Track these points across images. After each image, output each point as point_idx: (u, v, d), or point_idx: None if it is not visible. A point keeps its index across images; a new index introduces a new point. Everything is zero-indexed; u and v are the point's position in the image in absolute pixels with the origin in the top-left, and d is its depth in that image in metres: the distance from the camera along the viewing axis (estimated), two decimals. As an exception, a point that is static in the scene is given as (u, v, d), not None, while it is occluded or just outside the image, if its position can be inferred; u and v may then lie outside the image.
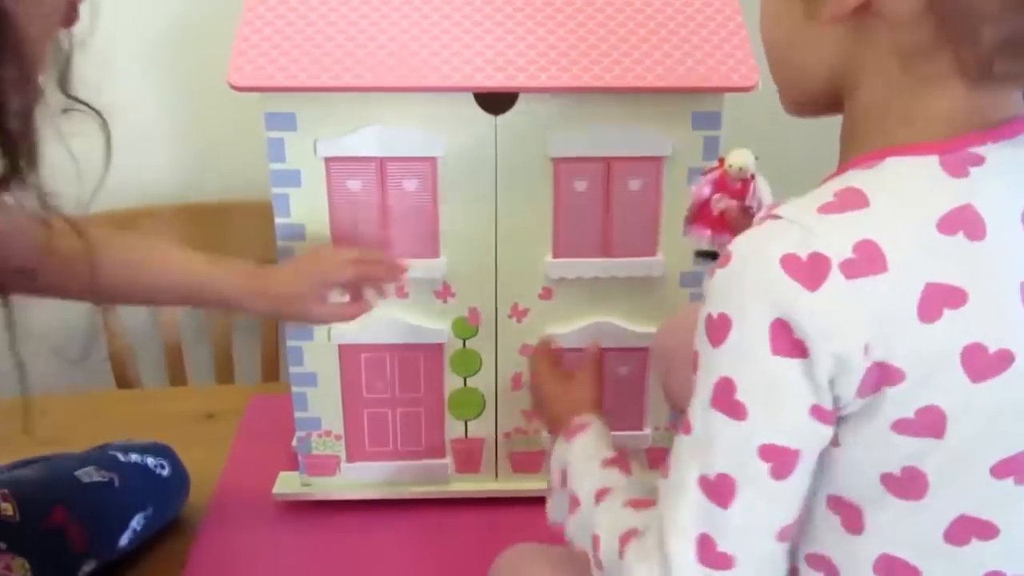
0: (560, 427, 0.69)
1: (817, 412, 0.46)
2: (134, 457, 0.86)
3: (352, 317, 0.80)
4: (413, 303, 0.84)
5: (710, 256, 0.79)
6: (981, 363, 0.44)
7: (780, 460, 0.46)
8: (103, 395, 1.22)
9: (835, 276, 0.43)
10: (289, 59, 0.76)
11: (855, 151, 0.49)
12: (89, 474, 0.82)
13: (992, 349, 0.44)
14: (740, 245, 0.47)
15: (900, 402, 0.44)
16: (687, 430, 0.49)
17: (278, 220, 0.81)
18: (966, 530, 0.47)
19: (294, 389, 0.87)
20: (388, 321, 0.84)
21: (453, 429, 0.89)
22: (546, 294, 0.84)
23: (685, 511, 0.48)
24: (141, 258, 0.79)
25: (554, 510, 0.67)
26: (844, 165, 0.48)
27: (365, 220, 0.81)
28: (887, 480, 0.47)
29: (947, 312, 0.44)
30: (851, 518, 0.48)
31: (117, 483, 0.82)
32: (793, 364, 0.45)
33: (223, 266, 0.79)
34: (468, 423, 0.89)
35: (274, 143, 0.78)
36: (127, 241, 0.83)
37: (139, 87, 1.25)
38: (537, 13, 0.79)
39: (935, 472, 0.46)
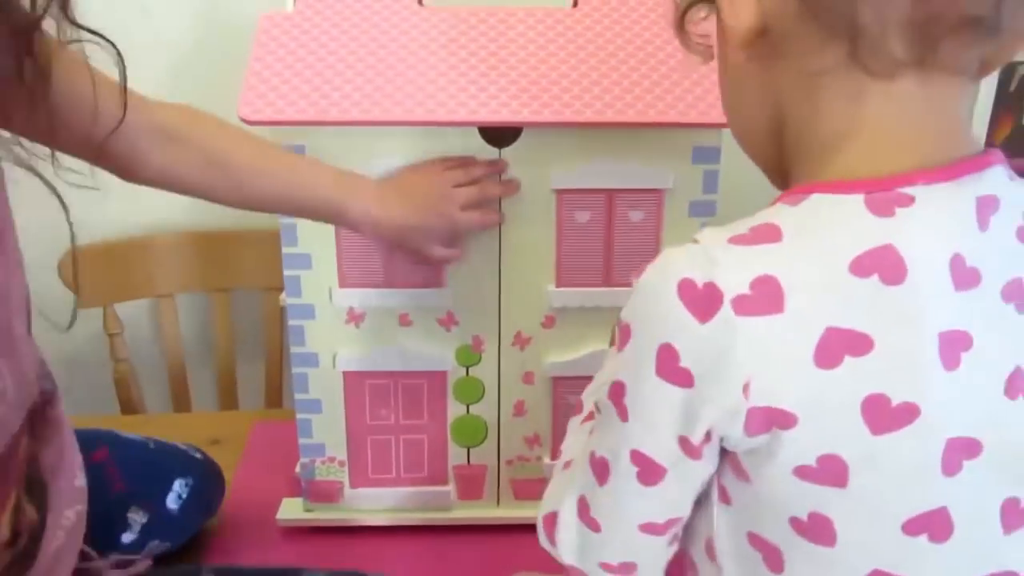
0: None
1: (683, 443, 0.46)
2: (164, 441, 0.90)
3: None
4: (417, 331, 0.85)
5: None
6: (883, 415, 0.42)
7: (647, 469, 0.47)
8: (108, 420, 1.22)
9: (725, 311, 0.42)
10: (298, 94, 0.78)
11: (793, 183, 0.48)
12: (127, 433, 0.86)
13: (895, 402, 0.42)
14: (655, 262, 0.46)
15: (799, 448, 0.43)
16: (602, 406, 0.50)
17: (285, 250, 0.82)
18: None
19: (299, 415, 0.88)
20: (392, 349, 0.85)
21: (456, 456, 0.90)
22: (548, 322, 0.85)
23: (578, 471, 0.52)
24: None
25: None
26: (777, 198, 0.47)
27: (371, 250, 0.82)
28: (796, 524, 0.46)
29: (848, 359, 0.42)
30: (771, 558, 0.48)
31: (153, 445, 0.86)
32: (673, 391, 0.44)
33: (348, 187, 0.77)
34: (470, 450, 0.90)
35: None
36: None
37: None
38: (540, 51, 0.81)
39: (842, 522, 0.45)
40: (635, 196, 0.81)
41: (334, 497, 0.90)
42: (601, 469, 0.50)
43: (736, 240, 0.44)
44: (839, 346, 0.42)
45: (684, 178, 0.81)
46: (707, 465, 0.47)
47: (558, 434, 0.89)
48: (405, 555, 0.88)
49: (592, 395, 0.62)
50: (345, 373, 0.86)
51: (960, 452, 0.43)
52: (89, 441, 0.79)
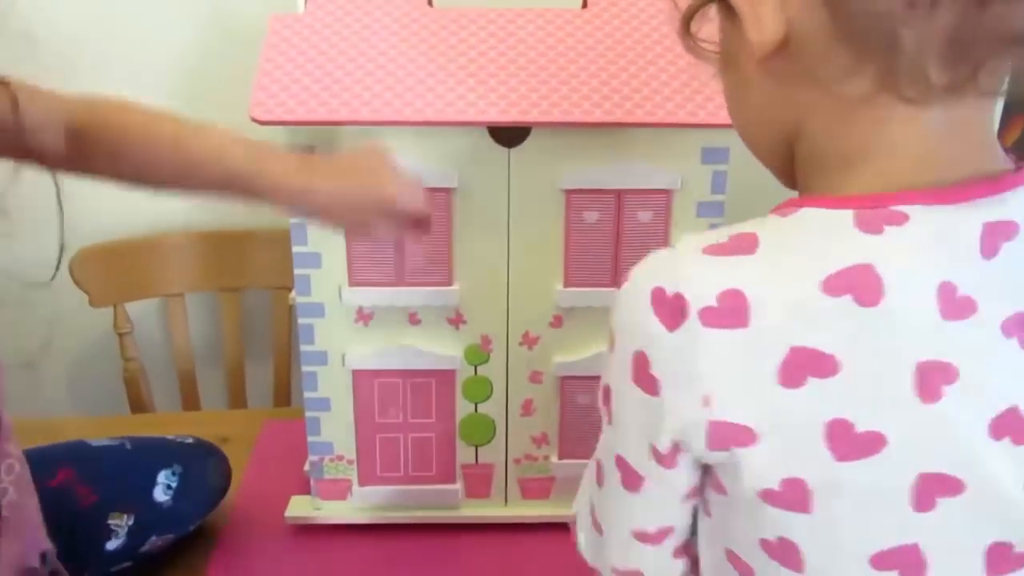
0: None
1: (653, 451, 0.45)
2: (154, 434, 0.90)
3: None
4: (426, 330, 0.85)
5: None
6: (846, 441, 0.40)
7: (628, 474, 0.47)
8: (117, 419, 1.23)
9: (692, 321, 0.41)
10: (309, 94, 0.78)
11: (801, 192, 0.47)
12: (100, 440, 0.85)
13: (859, 429, 0.40)
14: (634, 268, 0.45)
15: (761, 469, 0.42)
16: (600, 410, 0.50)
17: (295, 249, 0.83)
18: None
19: (308, 414, 0.88)
20: (401, 347, 0.86)
21: (464, 455, 0.90)
22: (557, 322, 0.86)
23: (587, 473, 0.54)
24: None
25: None
26: (773, 209, 0.45)
27: (381, 249, 0.83)
28: (766, 546, 0.44)
29: (811, 380, 0.40)
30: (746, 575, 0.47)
31: (129, 446, 0.86)
32: (645, 398, 0.44)
33: (260, 158, 0.72)
34: (478, 449, 0.90)
35: (293, 173, 0.80)
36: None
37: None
38: (550, 51, 0.82)
39: (808, 549, 0.43)
40: (644, 196, 0.82)
41: (342, 495, 0.90)
42: (599, 472, 0.51)
43: (710, 250, 0.43)
44: (803, 365, 0.40)
45: (693, 178, 0.81)
46: (683, 475, 0.46)
47: (566, 434, 0.89)
48: (413, 553, 0.88)
49: None
50: (354, 372, 0.86)
51: (935, 489, 0.41)
52: (48, 465, 0.79)
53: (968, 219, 0.40)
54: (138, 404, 1.30)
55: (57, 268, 0.74)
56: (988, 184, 0.41)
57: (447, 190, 0.81)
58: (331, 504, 0.91)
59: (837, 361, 0.40)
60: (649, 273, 0.44)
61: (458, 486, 0.91)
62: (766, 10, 0.42)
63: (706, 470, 0.47)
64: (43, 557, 0.69)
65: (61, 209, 0.67)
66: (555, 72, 0.80)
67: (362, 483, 0.90)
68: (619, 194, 0.82)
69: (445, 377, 0.87)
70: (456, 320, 0.85)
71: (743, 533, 0.46)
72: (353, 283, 0.84)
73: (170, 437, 0.90)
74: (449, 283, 0.84)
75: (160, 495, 0.84)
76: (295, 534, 0.90)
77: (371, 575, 0.86)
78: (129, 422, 1.23)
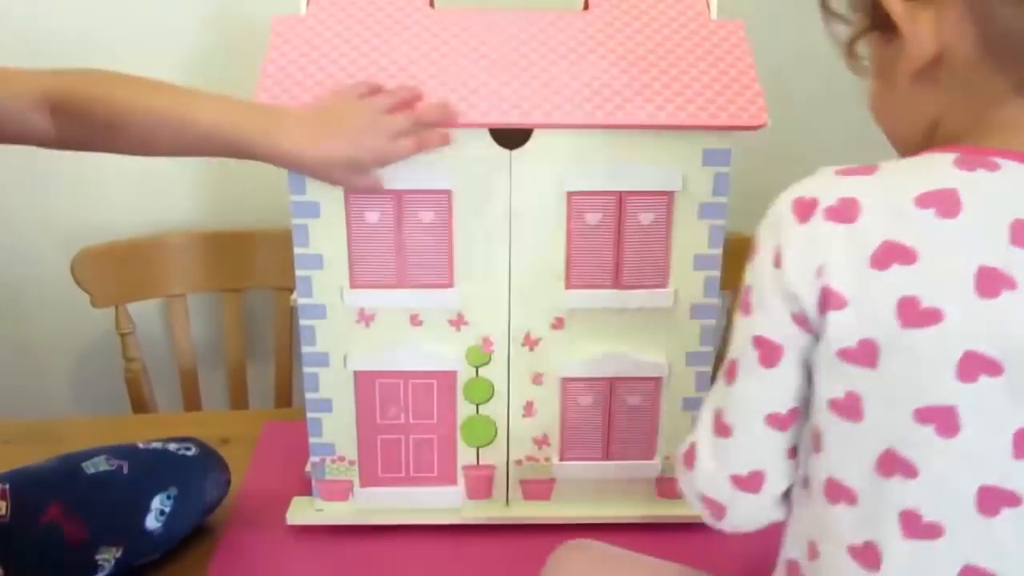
0: None
1: (795, 317, 0.55)
2: (155, 444, 0.88)
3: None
4: (427, 331, 0.86)
5: None
6: (912, 313, 0.51)
7: (767, 351, 0.57)
8: (119, 420, 1.24)
9: (818, 216, 0.54)
10: (312, 95, 0.78)
11: None
12: (96, 464, 0.83)
13: (924, 305, 0.51)
14: (784, 192, 0.57)
15: (845, 331, 0.53)
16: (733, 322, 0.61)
17: (297, 250, 0.83)
18: (891, 464, 0.53)
19: (309, 415, 0.88)
20: (403, 349, 0.86)
21: (465, 456, 0.90)
22: (558, 324, 0.86)
23: (711, 395, 0.62)
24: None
25: None
26: (953, 145, 0.56)
27: (382, 250, 0.83)
28: (834, 404, 0.55)
29: (895, 266, 0.51)
30: (815, 438, 0.57)
31: (126, 470, 0.83)
32: (778, 274, 0.55)
33: (262, 120, 0.73)
34: (480, 450, 0.90)
35: (295, 175, 0.80)
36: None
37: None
38: (551, 52, 0.82)
39: (869, 400, 0.53)
40: (645, 198, 0.82)
41: (344, 496, 0.91)
42: (731, 369, 0.60)
43: (841, 171, 0.55)
44: (890, 255, 0.51)
45: (694, 180, 0.81)
46: (812, 339, 0.56)
47: (567, 435, 0.89)
48: (414, 554, 0.88)
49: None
50: (356, 373, 0.86)
51: (979, 366, 0.50)
52: (39, 496, 0.78)
53: None
54: (139, 404, 1.30)
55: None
56: None
57: (448, 191, 0.81)
58: (332, 505, 0.91)
59: (916, 254, 0.51)
60: (794, 189, 0.56)
61: (459, 487, 0.91)
62: (924, 28, 0.53)
63: None
64: None
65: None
66: (556, 74, 0.80)
67: (363, 484, 0.90)
68: (621, 196, 0.82)
69: (446, 378, 0.87)
70: (457, 321, 0.85)
71: (818, 398, 0.56)
72: (355, 284, 0.84)
73: (172, 448, 0.88)
74: (450, 285, 0.84)
75: (152, 522, 0.82)
76: (296, 535, 0.90)
77: (372, 576, 0.86)
78: (130, 422, 1.24)
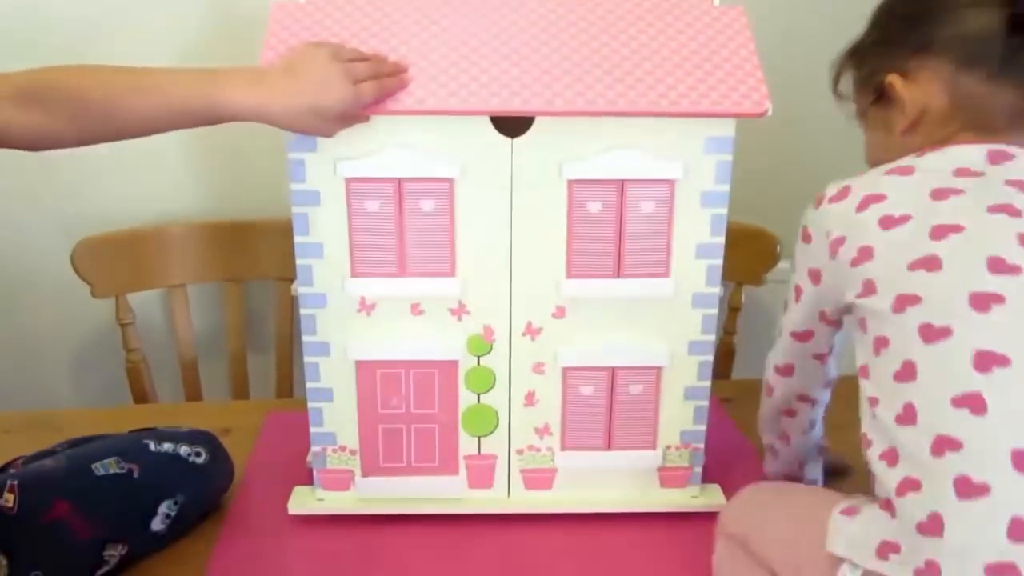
0: None
1: (809, 273, 0.76)
2: (166, 446, 0.88)
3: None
4: (429, 320, 0.85)
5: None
6: (917, 259, 0.66)
7: (796, 292, 0.79)
8: (120, 410, 1.23)
9: (852, 198, 0.72)
10: (311, 82, 0.78)
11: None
12: (107, 466, 0.84)
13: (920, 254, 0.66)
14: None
15: (873, 271, 0.69)
16: None
17: (297, 239, 0.83)
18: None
19: (310, 404, 0.88)
20: (404, 338, 0.85)
21: (466, 445, 0.90)
22: (560, 313, 0.85)
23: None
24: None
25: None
26: (922, 149, 0.74)
27: (383, 239, 0.83)
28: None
29: (900, 226, 0.68)
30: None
31: (136, 474, 0.84)
32: (816, 244, 0.75)
33: (220, 79, 0.75)
34: (481, 440, 0.90)
35: (295, 164, 0.80)
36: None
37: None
38: (553, 40, 0.81)
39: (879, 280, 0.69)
40: (647, 186, 0.81)
41: (345, 486, 0.90)
42: (785, 306, 0.82)
43: (891, 171, 0.73)
44: (887, 221, 0.69)
45: (696, 168, 0.81)
46: (820, 294, 0.76)
47: (568, 425, 0.89)
48: (416, 544, 0.88)
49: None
50: (357, 362, 0.86)
51: (984, 300, 0.62)
52: (46, 494, 0.79)
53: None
54: (140, 395, 1.30)
55: None
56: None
57: (449, 180, 0.81)
58: (334, 495, 0.91)
59: (909, 216, 0.68)
60: (839, 182, 0.74)
61: (461, 477, 0.91)
62: (916, 96, 0.75)
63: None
64: None
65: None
66: (558, 61, 0.80)
67: (365, 474, 0.90)
68: (622, 184, 0.81)
69: (448, 368, 0.87)
70: (459, 311, 0.85)
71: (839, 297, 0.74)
72: (355, 273, 0.84)
73: (184, 453, 0.88)
74: (452, 274, 0.84)
75: (157, 524, 0.85)
76: (298, 525, 0.90)
77: (373, 566, 0.86)
78: (131, 413, 1.23)
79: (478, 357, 0.87)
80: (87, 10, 1.23)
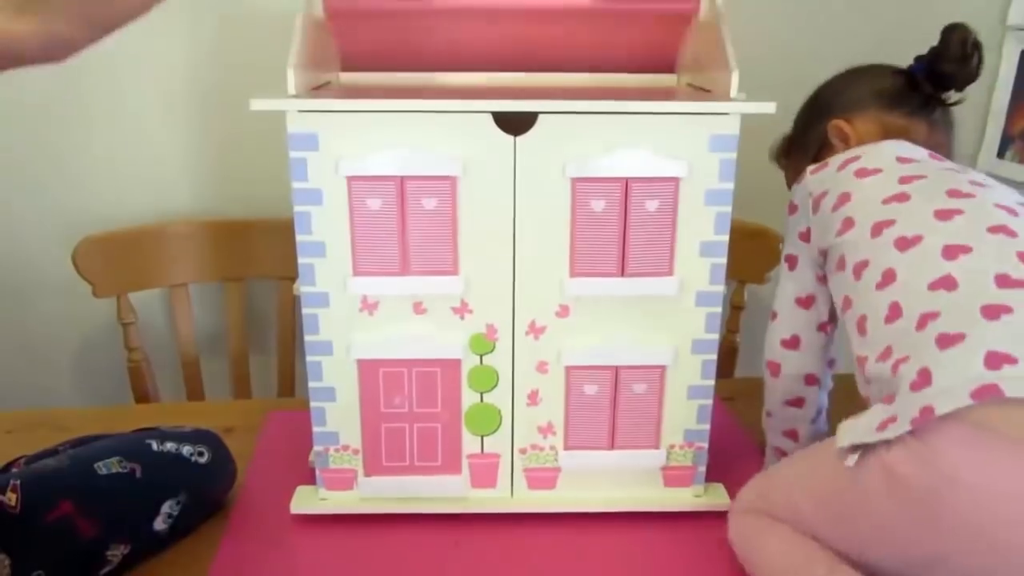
0: None
1: (799, 234, 0.89)
2: (169, 446, 0.88)
3: None
4: (431, 319, 0.85)
5: None
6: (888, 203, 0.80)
7: (790, 262, 0.90)
8: (121, 410, 1.23)
9: (831, 166, 0.86)
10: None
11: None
12: (109, 466, 0.83)
13: (887, 198, 0.80)
14: None
15: (848, 212, 0.82)
16: None
17: (299, 237, 0.82)
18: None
19: (312, 404, 0.88)
20: (406, 337, 0.85)
21: (469, 445, 0.90)
22: (563, 312, 0.85)
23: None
24: None
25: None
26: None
27: (385, 238, 0.82)
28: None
29: (873, 176, 0.83)
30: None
31: (139, 474, 0.84)
32: (802, 210, 0.88)
33: None
34: (484, 439, 0.90)
35: (297, 163, 0.80)
36: None
37: (166, 108, 1.27)
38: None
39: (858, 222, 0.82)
40: (651, 184, 0.81)
41: (348, 485, 0.90)
42: (780, 277, 0.91)
43: (844, 161, 0.88)
44: (869, 173, 0.83)
45: (700, 166, 0.80)
46: (813, 248, 0.87)
47: (572, 424, 0.89)
48: (418, 544, 0.88)
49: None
50: (359, 361, 0.86)
51: (948, 212, 0.75)
52: (50, 495, 0.79)
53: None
54: (142, 394, 1.30)
55: None
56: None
57: (452, 178, 0.80)
58: (336, 494, 0.91)
59: (881, 171, 0.84)
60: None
61: (464, 476, 0.91)
62: (857, 131, 0.94)
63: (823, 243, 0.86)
64: None
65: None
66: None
67: (367, 473, 0.90)
68: (626, 182, 0.81)
69: (450, 367, 0.87)
70: (461, 309, 0.85)
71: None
72: (358, 272, 0.83)
73: (186, 453, 0.88)
74: (454, 272, 0.83)
75: (160, 524, 0.84)
76: (300, 525, 0.90)
77: (376, 566, 0.86)
78: (133, 412, 1.23)
79: (481, 356, 0.87)
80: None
